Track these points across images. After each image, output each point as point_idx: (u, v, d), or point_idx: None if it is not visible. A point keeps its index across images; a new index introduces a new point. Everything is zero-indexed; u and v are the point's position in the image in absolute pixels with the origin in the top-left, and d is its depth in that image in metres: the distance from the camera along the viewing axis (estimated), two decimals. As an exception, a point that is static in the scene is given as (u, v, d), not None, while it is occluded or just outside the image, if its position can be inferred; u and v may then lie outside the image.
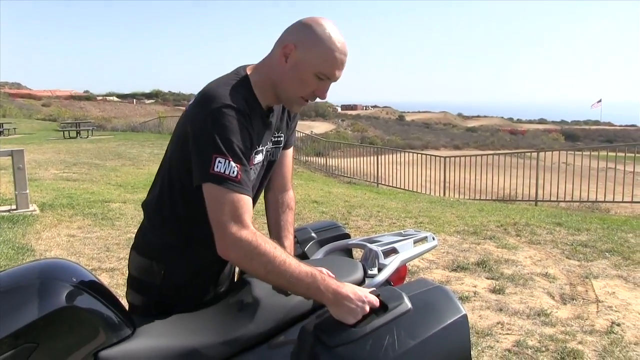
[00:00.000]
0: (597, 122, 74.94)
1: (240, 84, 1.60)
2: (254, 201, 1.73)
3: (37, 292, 1.34)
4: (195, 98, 1.60)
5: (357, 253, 2.23)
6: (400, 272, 1.92)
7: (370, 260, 1.89)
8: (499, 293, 4.37)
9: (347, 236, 2.17)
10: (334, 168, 17.69)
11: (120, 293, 4.17)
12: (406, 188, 14.46)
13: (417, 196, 11.68)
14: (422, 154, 15.78)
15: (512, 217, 7.62)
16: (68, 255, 5.18)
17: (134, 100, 67.72)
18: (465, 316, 1.51)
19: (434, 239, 2.09)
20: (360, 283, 1.72)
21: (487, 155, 14.24)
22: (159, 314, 1.65)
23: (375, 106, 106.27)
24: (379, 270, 1.82)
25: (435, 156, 15.30)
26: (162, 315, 1.60)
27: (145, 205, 1.80)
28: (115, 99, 69.76)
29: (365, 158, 17.00)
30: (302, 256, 2.03)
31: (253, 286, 1.64)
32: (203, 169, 1.46)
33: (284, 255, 1.44)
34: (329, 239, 2.10)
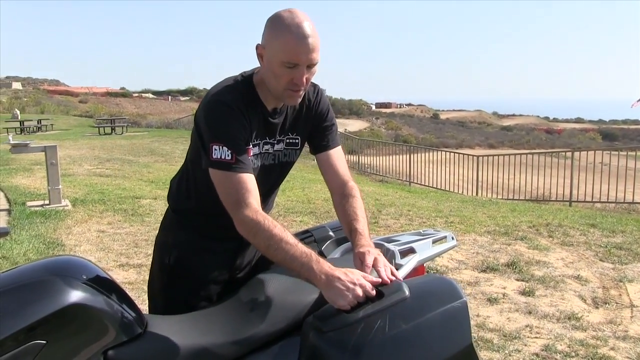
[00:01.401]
0: (636, 122, 73.07)
1: (241, 82, 1.74)
2: (269, 198, 1.94)
3: (47, 288, 1.33)
4: None
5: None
6: (418, 272, 1.87)
7: (387, 259, 1.85)
8: (529, 295, 4.27)
9: None
10: (366, 166, 17.61)
11: (146, 289, 4.22)
12: (438, 187, 14.29)
13: (449, 195, 11.53)
14: (455, 152, 15.59)
15: (544, 217, 7.45)
16: (97, 251, 5.25)
17: (169, 97, 68.62)
18: (465, 302, 1.48)
19: (453, 238, 2.04)
20: None
21: (522, 154, 13.98)
22: (173, 302, 1.77)
23: (409, 104, 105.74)
24: (396, 269, 1.78)
25: (469, 155, 15.10)
26: (177, 310, 1.62)
27: (172, 180, 2.04)
28: (151, 95, 70.79)
29: (398, 156, 16.87)
30: (319, 255, 2.00)
31: (266, 285, 1.62)
32: (206, 156, 1.66)
33: (282, 234, 1.54)
34: (346, 239, 2.07)
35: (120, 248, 5.39)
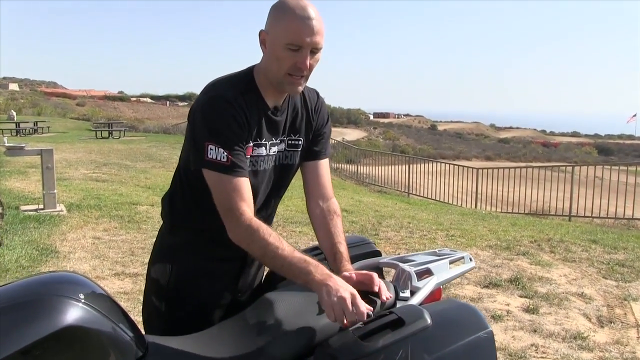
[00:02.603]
0: (631, 137, 73.48)
1: (242, 79, 1.68)
2: (268, 203, 1.83)
3: (42, 309, 1.23)
4: None
5: (386, 272, 2.10)
6: (435, 295, 1.77)
7: (402, 281, 1.75)
8: (533, 313, 4.19)
9: (378, 253, 2.03)
10: (364, 176, 17.51)
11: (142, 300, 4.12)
12: (437, 199, 14.20)
13: (449, 207, 11.46)
14: (453, 164, 15.51)
15: (545, 232, 7.38)
16: (92, 259, 5.14)
17: (167, 102, 68.36)
18: (491, 332, 1.42)
19: (471, 259, 1.94)
20: (392, 306, 1.59)
21: (521, 167, 13.93)
22: (173, 327, 1.64)
23: (407, 114, 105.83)
24: (412, 292, 1.68)
25: (467, 167, 15.03)
26: (176, 334, 1.51)
27: (163, 198, 1.89)
28: (149, 100, 70.56)
29: (396, 167, 16.79)
30: None
31: (276, 306, 1.51)
32: (199, 155, 1.58)
33: (277, 242, 1.50)
34: (359, 256, 1.96)
35: (116, 256, 5.28)
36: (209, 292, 1.77)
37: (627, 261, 5.82)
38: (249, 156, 1.64)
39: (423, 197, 14.68)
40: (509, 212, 12.07)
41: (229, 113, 1.58)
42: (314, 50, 1.58)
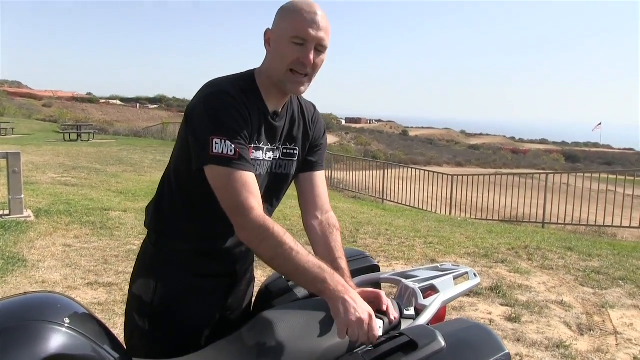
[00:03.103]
0: (596, 145, 75.37)
1: (243, 79, 1.61)
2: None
3: (25, 336, 1.12)
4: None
5: (385, 287, 2.02)
6: (440, 313, 1.69)
7: (406, 298, 1.67)
8: (515, 321, 4.17)
9: (377, 268, 1.95)
10: (338, 182, 17.46)
11: (118, 311, 3.97)
12: (411, 205, 14.24)
13: (424, 214, 11.47)
14: (428, 171, 15.56)
15: (522, 239, 7.42)
16: (62, 268, 4.96)
17: (138, 105, 67.54)
18: (508, 355, 1.35)
19: (475, 275, 1.86)
20: (398, 324, 1.52)
21: (495, 175, 14.06)
22: (157, 348, 1.57)
23: (379, 120, 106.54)
24: (416, 310, 1.60)
25: (442, 173, 15.09)
26: (161, 356, 1.44)
27: (147, 207, 1.78)
28: (119, 102, 69.62)
29: (369, 172, 16.79)
30: None
31: (275, 327, 1.40)
32: (203, 152, 1.46)
33: (293, 242, 1.41)
34: (357, 271, 1.88)
35: (88, 264, 5.10)
36: (196, 311, 1.67)
37: (602, 268, 5.86)
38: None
39: (397, 203, 14.71)
40: (484, 219, 12.16)
41: (233, 106, 1.50)
42: (319, 47, 1.54)
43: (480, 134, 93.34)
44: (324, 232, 1.71)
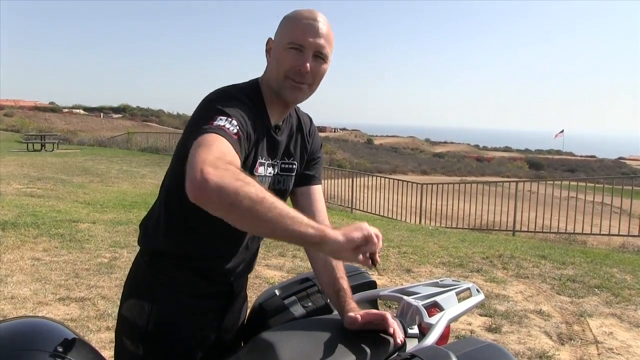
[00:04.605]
0: (559, 152, 76.81)
1: (251, 87, 1.56)
2: (257, 240, 1.67)
3: None
4: None
5: (381, 303, 1.98)
6: (444, 332, 1.65)
7: (409, 316, 1.62)
8: (496, 332, 4.17)
9: (374, 284, 1.90)
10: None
11: (92, 327, 3.84)
12: (380, 213, 14.27)
13: (395, 223, 11.50)
14: (396, 179, 15.63)
15: (495, 248, 7.48)
16: (32, 282, 4.78)
17: (101, 114, 66.36)
18: None
19: (478, 291, 1.82)
20: (402, 345, 1.47)
21: (464, 183, 14.20)
22: None
23: (344, 129, 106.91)
24: (420, 328, 1.56)
25: (411, 182, 15.18)
26: None
27: (141, 224, 1.68)
28: (82, 112, 68.26)
29: (336, 181, 16.77)
30: (326, 308, 1.76)
31: (278, 349, 1.34)
32: (203, 123, 1.27)
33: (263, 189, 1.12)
34: (354, 288, 1.82)
35: (58, 279, 4.93)
36: (193, 333, 1.60)
37: (577, 276, 5.93)
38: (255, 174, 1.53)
39: (367, 212, 14.73)
40: (454, 227, 12.24)
41: (242, 106, 1.41)
42: (319, 55, 1.49)
43: (445, 142, 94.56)
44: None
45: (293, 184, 1.71)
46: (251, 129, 1.42)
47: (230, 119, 1.31)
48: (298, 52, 1.47)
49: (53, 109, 62.24)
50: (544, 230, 11.11)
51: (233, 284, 1.68)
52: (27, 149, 23.21)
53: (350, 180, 16.14)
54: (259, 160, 1.52)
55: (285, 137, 1.64)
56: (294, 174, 1.69)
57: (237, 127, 1.31)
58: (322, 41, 1.47)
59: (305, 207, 1.72)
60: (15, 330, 1.24)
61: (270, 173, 1.60)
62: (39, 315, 3.78)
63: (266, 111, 1.56)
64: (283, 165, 1.65)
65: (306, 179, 1.74)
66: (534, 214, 11.24)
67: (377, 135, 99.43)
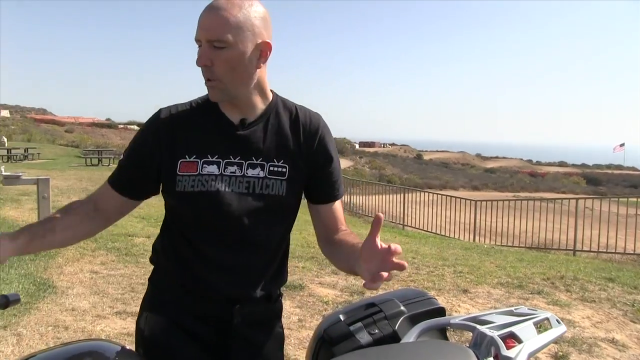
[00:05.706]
0: (620, 167, 73.50)
1: (203, 96, 1.57)
2: (254, 237, 1.55)
3: None
4: None
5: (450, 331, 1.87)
6: None
7: (484, 347, 1.50)
8: (563, 360, 3.95)
9: (443, 310, 1.79)
10: (356, 207, 17.24)
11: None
12: (432, 230, 13.99)
13: (449, 241, 11.23)
14: (448, 195, 15.32)
15: (556, 269, 7.17)
16: (91, 295, 4.85)
17: (155, 129, 68.00)
18: None
19: (559, 322, 1.68)
20: None
21: (520, 200, 13.79)
22: None
23: (393, 144, 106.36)
24: None
25: (463, 199, 14.85)
26: None
27: (154, 245, 1.76)
28: (136, 127, 70.14)
29: (386, 196, 16.56)
30: (394, 336, 1.65)
31: None
32: None
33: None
34: (421, 315, 1.72)
35: (115, 292, 4.99)
36: (181, 354, 1.54)
37: (651, 302, 5.59)
38: (191, 173, 1.49)
39: (418, 229, 14.46)
40: (510, 246, 11.88)
41: (147, 132, 1.55)
42: (216, 44, 1.39)
43: (496, 157, 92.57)
44: (339, 235, 1.61)
45: (291, 191, 1.57)
46: (158, 141, 1.52)
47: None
48: (199, 49, 1.42)
49: (109, 125, 64.40)
50: (608, 250, 10.59)
51: (232, 308, 1.55)
52: (86, 163, 23.99)
53: (400, 196, 15.92)
54: (203, 159, 1.50)
55: (264, 136, 1.55)
56: (284, 178, 1.55)
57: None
58: (212, 29, 1.37)
59: (330, 225, 1.64)
60: (80, 351, 1.26)
61: (233, 172, 1.51)
62: (101, 337, 3.85)
63: (220, 110, 1.54)
64: (271, 168, 1.54)
65: (329, 196, 1.64)
66: (595, 232, 10.77)
67: (426, 150, 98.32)
